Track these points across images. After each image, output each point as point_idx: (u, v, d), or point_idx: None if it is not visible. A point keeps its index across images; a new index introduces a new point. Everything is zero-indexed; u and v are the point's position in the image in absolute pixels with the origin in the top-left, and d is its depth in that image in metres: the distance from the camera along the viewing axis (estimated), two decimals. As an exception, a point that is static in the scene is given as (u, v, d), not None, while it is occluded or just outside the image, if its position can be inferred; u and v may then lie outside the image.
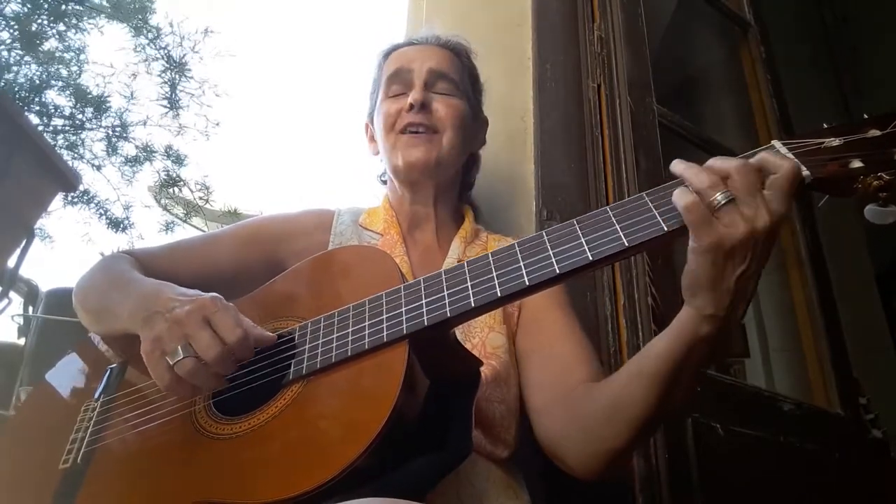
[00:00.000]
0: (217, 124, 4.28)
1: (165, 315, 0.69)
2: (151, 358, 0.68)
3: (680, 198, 0.61)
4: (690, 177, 0.62)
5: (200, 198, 4.19)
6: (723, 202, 0.60)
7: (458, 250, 1.03)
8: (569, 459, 0.80)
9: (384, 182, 1.18)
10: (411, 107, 1.01)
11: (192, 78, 4.06)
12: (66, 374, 0.90)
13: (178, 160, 4.26)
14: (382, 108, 1.07)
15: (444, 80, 1.07)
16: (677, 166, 0.65)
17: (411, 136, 1.02)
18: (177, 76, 3.99)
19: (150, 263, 0.96)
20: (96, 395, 0.81)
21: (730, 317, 0.63)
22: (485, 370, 0.81)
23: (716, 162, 0.63)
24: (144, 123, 4.13)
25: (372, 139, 1.15)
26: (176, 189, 4.20)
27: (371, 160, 1.19)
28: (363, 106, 1.18)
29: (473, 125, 1.12)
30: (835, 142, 0.64)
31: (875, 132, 0.63)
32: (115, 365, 0.85)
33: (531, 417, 0.87)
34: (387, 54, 1.14)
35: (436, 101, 1.04)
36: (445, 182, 1.08)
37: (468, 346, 0.90)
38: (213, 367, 0.67)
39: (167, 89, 3.99)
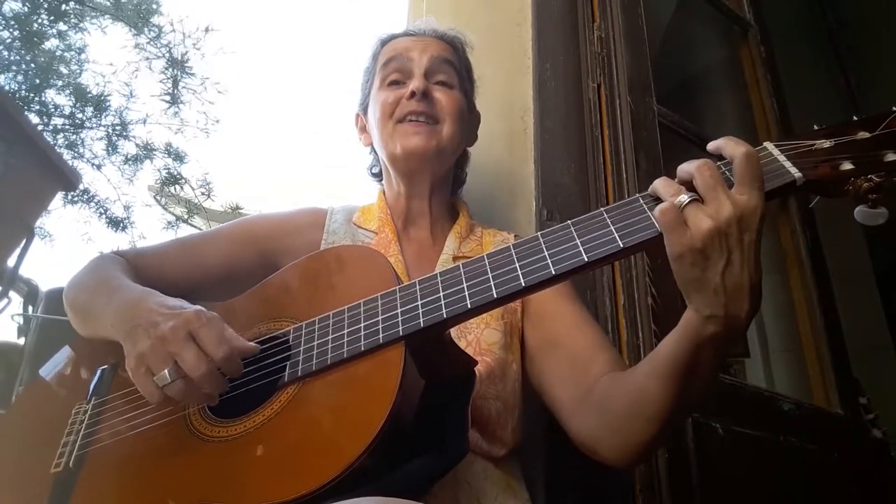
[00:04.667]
0: (217, 121, 4.27)
1: (149, 331, 0.69)
2: (137, 374, 0.68)
3: (657, 208, 0.63)
4: (658, 187, 0.64)
5: (202, 193, 4.18)
6: (686, 202, 0.61)
7: (452, 246, 1.02)
8: (604, 455, 0.80)
9: (374, 175, 1.17)
10: (412, 94, 0.99)
11: (193, 74, 4.05)
12: (59, 372, 0.90)
13: (179, 157, 4.26)
14: (379, 96, 1.04)
15: (444, 71, 1.05)
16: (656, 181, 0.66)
17: (412, 124, 1.00)
18: (179, 73, 3.98)
19: (141, 265, 0.95)
20: (88, 397, 0.81)
21: (735, 314, 0.63)
22: (479, 367, 0.81)
23: (681, 167, 0.65)
24: (144, 122, 4.13)
25: (363, 130, 1.13)
26: (177, 187, 4.19)
27: (363, 154, 1.17)
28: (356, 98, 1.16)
29: (469, 119, 1.11)
30: (826, 143, 0.64)
31: (864, 134, 0.64)
32: (106, 366, 0.84)
33: (559, 415, 0.86)
34: (383, 43, 1.11)
35: (437, 92, 1.03)
36: (441, 175, 1.07)
37: (463, 343, 0.90)
38: (201, 385, 0.67)
39: (169, 85, 3.98)
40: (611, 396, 0.79)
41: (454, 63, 1.07)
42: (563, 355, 0.89)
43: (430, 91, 1.01)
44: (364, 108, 1.12)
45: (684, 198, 0.62)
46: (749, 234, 0.61)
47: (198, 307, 0.72)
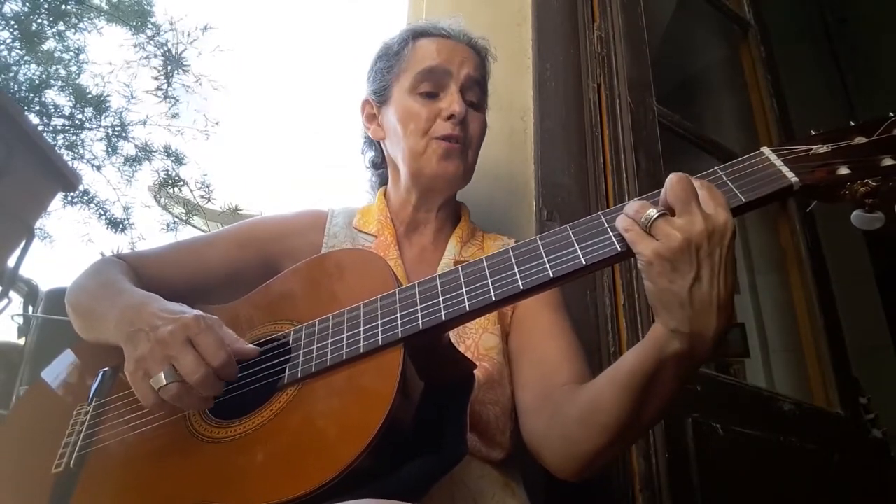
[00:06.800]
0: (216, 123, 4.28)
1: (149, 334, 0.69)
2: (135, 378, 0.68)
3: (619, 222, 0.65)
4: (626, 208, 0.65)
5: (201, 196, 4.19)
6: (654, 216, 0.62)
7: (454, 250, 1.02)
8: (548, 459, 0.81)
9: (374, 165, 1.16)
10: (451, 117, 0.98)
11: (188, 71, 4.05)
12: (61, 374, 0.90)
13: (178, 159, 4.26)
14: (410, 104, 1.01)
15: (476, 90, 1.04)
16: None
17: (449, 145, 0.98)
18: (171, 68, 3.98)
19: (142, 269, 0.95)
20: (89, 398, 0.81)
21: (700, 330, 0.62)
22: (477, 372, 0.81)
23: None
24: (144, 123, 4.13)
25: (372, 119, 1.10)
26: (176, 189, 4.20)
27: (359, 148, 1.16)
28: (361, 94, 1.12)
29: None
30: (822, 149, 0.65)
31: (861, 139, 0.64)
32: (107, 368, 0.84)
33: (518, 416, 0.88)
34: (416, 36, 1.06)
35: (469, 115, 1.01)
36: (454, 193, 1.08)
37: (462, 347, 0.90)
38: (198, 390, 0.67)
39: (162, 80, 3.98)
40: (567, 403, 0.79)
41: (482, 82, 1.06)
42: (532, 360, 0.90)
43: (466, 116, 1.00)
44: (379, 99, 1.08)
45: (652, 212, 0.62)
46: (720, 249, 0.61)
47: (197, 312, 0.72)
